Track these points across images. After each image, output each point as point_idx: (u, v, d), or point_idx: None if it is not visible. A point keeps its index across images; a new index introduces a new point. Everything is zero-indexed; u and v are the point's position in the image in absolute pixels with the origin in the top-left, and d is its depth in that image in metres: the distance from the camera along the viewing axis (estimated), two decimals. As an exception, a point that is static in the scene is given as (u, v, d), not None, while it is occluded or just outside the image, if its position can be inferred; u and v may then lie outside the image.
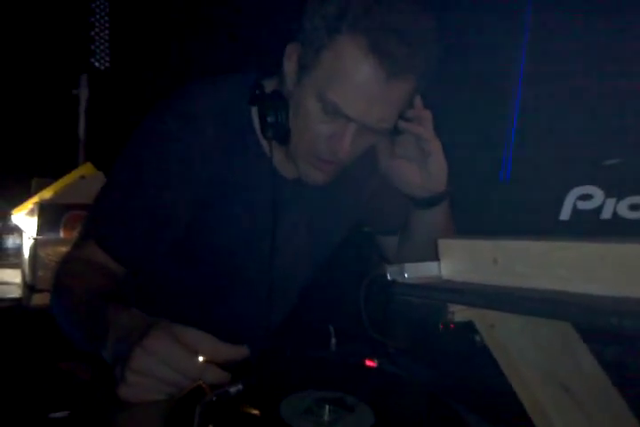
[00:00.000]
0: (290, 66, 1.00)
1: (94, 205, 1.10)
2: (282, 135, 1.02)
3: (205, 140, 1.06)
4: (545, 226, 0.68)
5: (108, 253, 1.05)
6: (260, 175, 1.12)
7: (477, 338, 1.05)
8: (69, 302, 0.97)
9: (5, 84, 2.76)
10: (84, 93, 2.92)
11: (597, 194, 0.62)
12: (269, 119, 1.01)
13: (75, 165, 2.48)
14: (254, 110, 1.08)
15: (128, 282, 1.18)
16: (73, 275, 1.03)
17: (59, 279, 1.04)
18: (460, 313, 0.65)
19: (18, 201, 2.31)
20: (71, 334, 0.95)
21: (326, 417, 0.76)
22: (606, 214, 0.61)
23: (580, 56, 1.89)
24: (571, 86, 1.89)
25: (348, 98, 0.92)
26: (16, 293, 2.02)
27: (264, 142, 1.08)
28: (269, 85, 1.07)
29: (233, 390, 0.79)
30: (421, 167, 1.06)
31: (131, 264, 1.08)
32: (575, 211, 0.64)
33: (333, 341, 1.10)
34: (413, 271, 0.70)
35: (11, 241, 2.36)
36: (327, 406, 0.77)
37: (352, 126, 0.96)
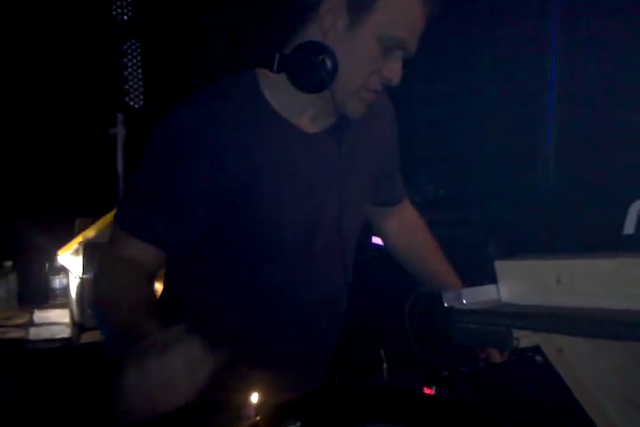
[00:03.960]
0: (332, 19, 1.10)
1: (122, 201, 1.22)
2: (327, 81, 1.10)
3: (228, 132, 1.12)
4: (608, 241, 0.64)
5: (144, 241, 1.11)
6: (285, 140, 1.17)
7: (538, 358, 1.02)
8: (111, 311, 1.06)
9: (44, 127, 2.82)
10: (120, 132, 2.96)
11: (663, 205, 0.59)
12: (324, 65, 1.09)
13: (116, 203, 2.51)
14: (267, 90, 1.15)
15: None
16: (113, 283, 1.09)
17: (100, 285, 1.13)
18: (525, 338, 0.61)
19: (63, 242, 2.34)
20: (107, 336, 1.08)
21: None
22: (675, 226, 0.57)
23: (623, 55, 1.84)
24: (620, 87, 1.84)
25: (407, 32, 1.10)
26: (65, 332, 2.03)
27: (286, 112, 1.16)
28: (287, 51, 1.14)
29: (291, 427, 0.77)
30: None
31: (168, 246, 1.14)
32: (640, 223, 0.60)
33: (385, 366, 1.07)
34: (471, 296, 0.67)
35: (58, 281, 2.39)
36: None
37: (400, 55, 1.12)
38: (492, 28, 2.40)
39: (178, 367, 0.83)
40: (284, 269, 1.20)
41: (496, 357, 1.24)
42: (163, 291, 1.32)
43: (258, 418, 0.82)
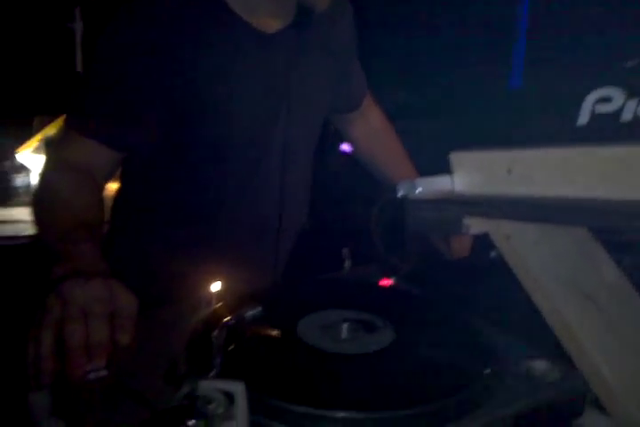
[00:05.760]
0: None
1: (73, 100, 1.11)
2: None
3: (177, 28, 1.06)
4: (561, 133, 0.65)
5: (96, 142, 1.06)
6: (240, 40, 1.12)
7: (493, 254, 1.05)
8: (48, 218, 0.99)
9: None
10: (78, 26, 2.84)
11: (617, 95, 0.59)
12: None
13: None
14: None
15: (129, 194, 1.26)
16: (56, 188, 1.04)
17: (43, 188, 1.07)
18: (475, 226, 0.63)
19: (22, 140, 2.29)
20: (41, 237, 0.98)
21: (344, 335, 0.76)
22: (627, 116, 0.58)
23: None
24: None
25: None
26: (30, 230, 2.03)
27: (242, 10, 1.11)
28: None
29: (251, 312, 0.79)
30: None
31: (119, 147, 1.10)
32: (593, 115, 0.61)
33: (348, 263, 1.09)
34: (426, 186, 0.68)
35: (20, 180, 2.36)
36: (345, 324, 0.77)
37: None
38: None
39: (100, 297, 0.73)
40: (238, 173, 1.20)
41: (458, 253, 1.28)
42: (118, 188, 1.32)
43: (218, 305, 0.84)
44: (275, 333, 0.77)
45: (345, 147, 2.65)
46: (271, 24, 1.15)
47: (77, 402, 0.64)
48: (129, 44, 1.06)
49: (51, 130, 2.21)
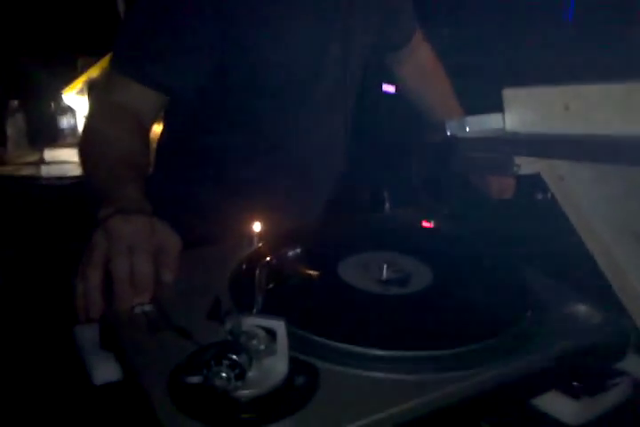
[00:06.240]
0: None
1: (118, 42, 1.07)
2: None
3: None
4: (624, 69, 0.61)
5: (143, 85, 1.04)
6: None
7: (540, 195, 1.02)
8: (94, 161, 1.00)
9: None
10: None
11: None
12: None
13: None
14: None
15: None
16: (102, 130, 1.03)
17: (90, 130, 1.06)
18: (526, 166, 0.61)
19: (67, 81, 2.30)
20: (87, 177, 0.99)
21: (384, 276, 0.76)
22: (699, 47, 0.54)
23: None
24: None
25: None
26: (76, 171, 2.06)
27: None
28: None
29: (292, 252, 0.79)
30: None
31: (163, 89, 1.07)
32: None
33: (387, 205, 1.08)
34: (475, 125, 0.65)
35: (65, 122, 2.38)
36: (385, 266, 0.76)
37: None
38: None
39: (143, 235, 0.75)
40: (283, 115, 1.18)
41: (500, 194, 1.26)
42: (163, 130, 1.31)
43: (260, 245, 0.84)
44: (314, 272, 0.77)
45: (387, 88, 2.59)
46: None
47: (124, 337, 0.65)
48: None
49: (94, 71, 2.22)
